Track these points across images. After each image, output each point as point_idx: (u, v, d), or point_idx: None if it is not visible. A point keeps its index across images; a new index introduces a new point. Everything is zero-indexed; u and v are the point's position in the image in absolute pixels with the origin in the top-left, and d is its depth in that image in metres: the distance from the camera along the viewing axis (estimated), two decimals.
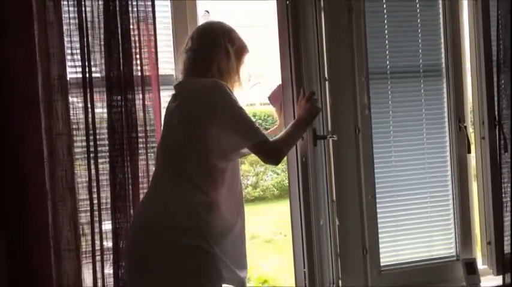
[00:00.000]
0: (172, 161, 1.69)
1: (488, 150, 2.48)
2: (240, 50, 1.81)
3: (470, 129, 2.56)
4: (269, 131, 2.18)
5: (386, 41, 2.41)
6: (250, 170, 8.27)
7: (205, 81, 1.71)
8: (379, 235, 2.38)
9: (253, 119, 1.71)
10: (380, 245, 2.39)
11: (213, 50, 1.74)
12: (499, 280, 2.43)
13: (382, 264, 2.39)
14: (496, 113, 2.43)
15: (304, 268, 1.90)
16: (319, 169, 2.18)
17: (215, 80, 1.70)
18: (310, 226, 1.92)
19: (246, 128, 1.66)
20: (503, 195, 2.42)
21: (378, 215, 2.38)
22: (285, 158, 1.82)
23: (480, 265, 2.51)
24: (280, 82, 2.13)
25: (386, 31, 2.41)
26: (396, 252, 2.45)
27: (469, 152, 2.47)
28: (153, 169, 2.07)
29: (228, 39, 1.76)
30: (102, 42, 2.04)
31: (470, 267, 2.44)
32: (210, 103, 1.65)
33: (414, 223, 2.46)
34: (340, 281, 2.33)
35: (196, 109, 1.66)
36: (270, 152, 1.69)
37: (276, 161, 1.73)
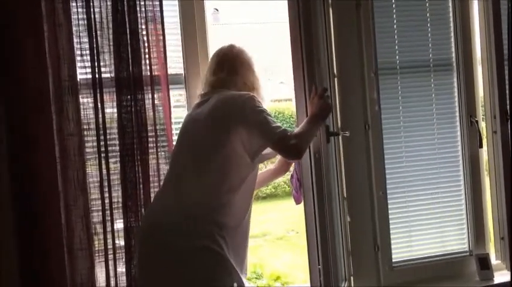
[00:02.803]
0: (195, 164, 1.71)
1: (501, 144, 2.45)
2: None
3: (482, 124, 2.54)
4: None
5: (395, 36, 2.39)
6: (262, 167, 8.29)
7: (238, 92, 1.82)
8: (391, 231, 2.37)
9: (276, 120, 1.76)
10: (392, 242, 2.38)
11: (253, 74, 1.92)
12: None
13: (394, 260, 2.38)
14: (508, 106, 2.40)
15: (319, 265, 1.89)
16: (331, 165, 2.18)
17: (248, 92, 1.83)
18: (324, 223, 1.91)
19: (267, 128, 1.70)
20: None
21: (389, 211, 2.37)
22: None
23: (493, 260, 2.49)
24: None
25: (395, 26, 2.39)
26: (408, 248, 2.44)
27: (481, 146, 2.45)
28: (164, 167, 2.09)
29: (254, 63, 1.95)
30: (111, 43, 2.05)
31: (484, 262, 2.43)
32: (240, 107, 1.72)
33: (426, 218, 2.44)
34: (352, 278, 2.33)
35: (227, 114, 1.72)
36: (290, 148, 1.70)
37: (297, 155, 1.75)
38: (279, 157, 2.11)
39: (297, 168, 2.10)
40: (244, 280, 1.75)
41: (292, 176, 2.13)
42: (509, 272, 2.44)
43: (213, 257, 1.58)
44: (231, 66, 1.90)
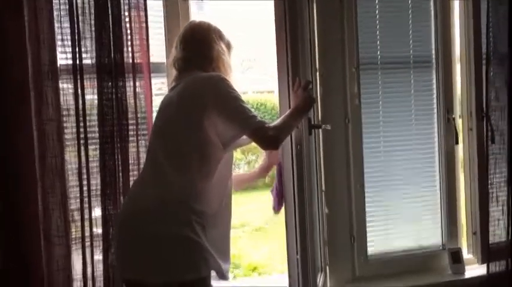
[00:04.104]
0: (168, 150, 1.70)
1: (476, 141, 2.51)
2: (228, 46, 1.89)
3: (459, 121, 2.59)
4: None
5: (377, 32, 2.42)
6: (242, 158, 8.29)
7: (208, 73, 1.76)
8: (367, 224, 2.42)
9: (252, 108, 1.73)
10: (368, 234, 2.42)
11: (209, 49, 1.81)
12: (483, 269, 2.47)
13: (369, 252, 2.43)
14: (484, 104, 2.46)
15: (297, 255, 1.92)
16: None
17: (217, 73, 1.77)
18: (303, 214, 1.93)
19: (244, 116, 1.67)
20: (490, 186, 2.45)
21: (366, 204, 2.41)
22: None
23: (465, 255, 2.55)
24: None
25: (377, 22, 2.42)
26: (383, 241, 2.48)
27: (457, 143, 2.50)
28: (144, 156, 2.08)
29: (218, 36, 1.85)
30: (93, 29, 2.03)
31: (456, 256, 2.49)
32: (212, 91, 1.67)
33: (401, 212, 2.49)
34: (327, 268, 2.37)
35: (198, 97, 1.68)
36: (268, 138, 1.68)
37: (274, 146, 1.74)
38: (260, 162, 2.11)
39: (277, 181, 2.02)
40: (226, 268, 1.76)
41: (272, 190, 2.07)
42: (480, 266, 2.51)
43: (190, 245, 1.58)
44: (184, 43, 1.83)
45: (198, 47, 1.81)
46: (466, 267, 2.49)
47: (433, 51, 2.49)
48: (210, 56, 1.81)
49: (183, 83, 1.75)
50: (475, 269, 2.50)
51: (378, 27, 2.42)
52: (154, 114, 2.11)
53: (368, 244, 2.43)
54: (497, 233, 2.47)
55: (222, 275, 1.74)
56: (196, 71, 1.78)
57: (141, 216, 1.62)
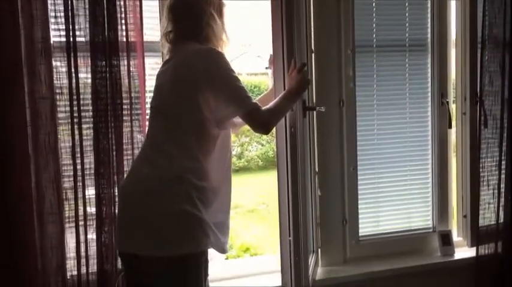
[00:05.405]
0: (166, 128, 1.69)
1: (469, 125, 2.53)
2: (219, 6, 1.84)
3: (452, 105, 2.60)
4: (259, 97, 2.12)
5: (374, 14, 2.41)
6: (236, 140, 8.30)
7: (201, 47, 1.73)
8: (359, 206, 2.44)
9: (246, 88, 1.72)
10: (359, 216, 2.45)
11: (200, 16, 1.77)
12: (472, 251, 2.51)
13: (360, 234, 2.46)
14: (478, 89, 2.47)
15: (290, 236, 1.94)
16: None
17: (211, 47, 1.74)
18: (297, 196, 1.95)
19: (239, 97, 1.67)
20: (481, 170, 2.48)
21: (359, 187, 2.43)
22: (273, 129, 1.84)
23: (455, 237, 2.60)
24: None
25: (374, 4, 2.41)
26: (375, 223, 2.51)
27: (450, 127, 2.52)
28: (138, 135, 2.08)
29: (209, 1, 1.79)
30: (87, 6, 2.00)
31: (446, 238, 2.53)
32: (206, 69, 1.65)
33: (394, 194, 2.52)
34: (319, 250, 2.39)
35: (192, 75, 1.66)
36: (261, 122, 1.70)
37: (265, 131, 1.75)
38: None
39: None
40: (225, 241, 1.78)
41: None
42: (469, 249, 2.55)
43: (191, 220, 1.59)
44: (173, 13, 1.77)
45: (187, 19, 1.77)
46: (456, 249, 2.53)
47: (429, 35, 2.49)
48: (199, 27, 1.77)
49: (178, 56, 1.73)
50: (464, 252, 2.55)
51: (374, 9, 2.41)
52: (148, 95, 2.10)
53: (360, 226, 2.45)
54: (487, 217, 2.50)
55: (222, 250, 1.77)
56: (190, 42, 1.75)
57: (142, 195, 1.62)
